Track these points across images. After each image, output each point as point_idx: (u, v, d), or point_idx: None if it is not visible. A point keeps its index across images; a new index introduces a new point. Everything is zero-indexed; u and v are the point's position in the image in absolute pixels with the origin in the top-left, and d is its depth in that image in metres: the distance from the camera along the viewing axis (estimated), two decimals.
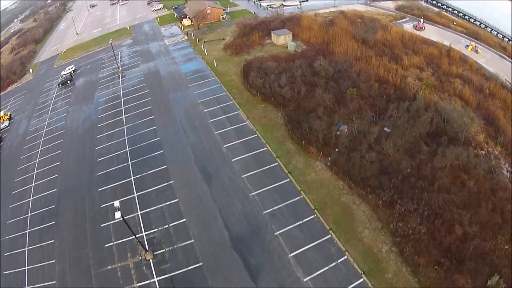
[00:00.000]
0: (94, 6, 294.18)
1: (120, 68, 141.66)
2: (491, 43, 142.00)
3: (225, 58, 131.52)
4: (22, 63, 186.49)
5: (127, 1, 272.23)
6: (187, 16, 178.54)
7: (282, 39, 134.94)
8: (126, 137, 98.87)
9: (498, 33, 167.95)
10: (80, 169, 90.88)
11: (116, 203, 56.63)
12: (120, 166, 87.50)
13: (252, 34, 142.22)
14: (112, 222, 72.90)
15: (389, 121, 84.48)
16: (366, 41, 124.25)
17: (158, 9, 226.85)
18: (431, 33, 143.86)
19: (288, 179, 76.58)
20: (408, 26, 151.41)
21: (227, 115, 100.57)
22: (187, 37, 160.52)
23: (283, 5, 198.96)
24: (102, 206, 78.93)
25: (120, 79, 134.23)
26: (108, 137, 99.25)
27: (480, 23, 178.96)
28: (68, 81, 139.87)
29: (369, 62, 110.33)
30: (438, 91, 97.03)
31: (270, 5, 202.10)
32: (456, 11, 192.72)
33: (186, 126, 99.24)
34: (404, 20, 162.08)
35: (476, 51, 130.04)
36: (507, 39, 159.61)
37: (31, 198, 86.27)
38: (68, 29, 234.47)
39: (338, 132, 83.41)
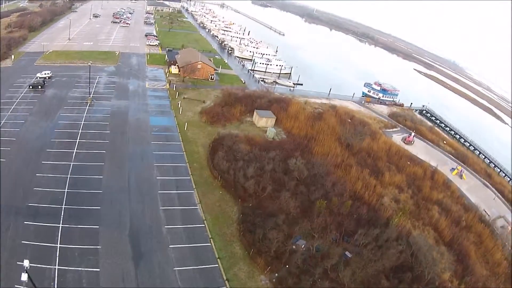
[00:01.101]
0: (97, 17, 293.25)
1: (91, 95, 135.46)
2: (477, 169, 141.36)
3: (198, 123, 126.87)
4: (9, 45, 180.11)
5: (128, 25, 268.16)
6: (176, 64, 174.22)
7: (264, 122, 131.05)
8: (69, 176, 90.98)
9: (486, 157, 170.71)
10: (15, 191, 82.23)
11: (26, 263, 49.12)
12: (53, 206, 79.46)
13: (235, 106, 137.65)
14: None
15: (353, 245, 77.94)
16: (350, 146, 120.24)
17: (153, 45, 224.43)
18: (419, 149, 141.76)
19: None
20: (397, 138, 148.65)
21: (180, 192, 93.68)
22: (168, 86, 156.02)
23: (276, 82, 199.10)
24: (22, 242, 70.57)
25: (87, 107, 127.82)
26: (53, 167, 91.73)
27: (470, 145, 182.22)
28: (39, 86, 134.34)
29: (348, 172, 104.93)
30: (413, 218, 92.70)
31: (263, 79, 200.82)
32: (448, 128, 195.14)
33: (133, 189, 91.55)
34: (394, 129, 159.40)
35: (461, 176, 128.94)
36: (493, 165, 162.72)
37: None
38: (64, 29, 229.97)
39: (293, 247, 75.11)
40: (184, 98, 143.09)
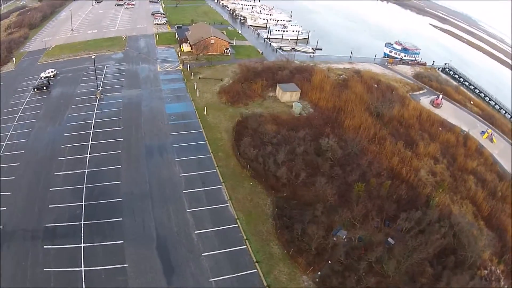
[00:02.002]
0: (99, 2, 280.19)
1: (99, 89, 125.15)
2: (505, 130, 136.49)
3: (218, 105, 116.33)
4: (10, 48, 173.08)
5: (133, 5, 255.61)
6: (188, 41, 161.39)
7: (288, 96, 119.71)
8: (85, 186, 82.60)
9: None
10: (29, 211, 75.97)
11: None
12: (72, 224, 72.48)
13: (255, 81, 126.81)
14: None
15: (395, 230, 72.15)
16: (381, 115, 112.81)
17: (161, 24, 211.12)
18: (448, 112, 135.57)
19: None
20: (425, 101, 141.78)
21: (206, 188, 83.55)
22: (182, 67, 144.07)
23: (295, 49, 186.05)
24: (44, 270, 63.20)
25: (97, 103, 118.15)
26: (66, 179, 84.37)
27: (495, 104, 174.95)
28: (44, 87, 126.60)
29: (382, 146, 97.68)
30: (451, 191, 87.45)
31: (281, 47, 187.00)
32: (472, 87, 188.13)
33: (155, 192, 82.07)
34: (421, 92, 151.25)
35: (491, 140, 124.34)
36: None
37: None
38: (66, 21, 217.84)
39: (334, 239, 68.50)
40: (200, 78, 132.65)
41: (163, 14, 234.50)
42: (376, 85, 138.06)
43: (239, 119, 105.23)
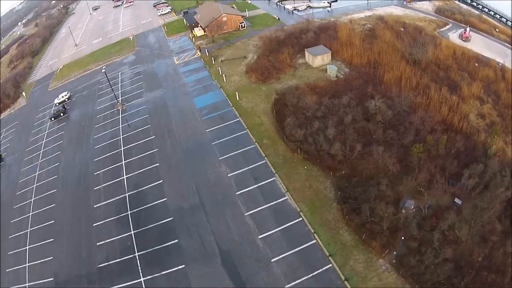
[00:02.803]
0: (97, 8, 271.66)
1: (119, 100, 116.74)
2: None
3: (249, 87, 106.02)
4: (16, 83, 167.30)
5: (132, 3, 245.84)
6: (199, 25, 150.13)
7: (319, 60, 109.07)
8: (129, 212, 75.89)
9: None
10: (78, 255, 71.24)
11: None
12: (125, 258, 66.83)
13: (281, 51, 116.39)
14: None
15: (460, 189, 66.53)
16: (417, 61, 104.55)
17: (166, 13, 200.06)
18: (478, 44, 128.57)
19: None
20: (453, 36, 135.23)
21: (260, 184, 74.35)
22: (199, 53, 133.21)
23: (310, 7, 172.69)
24: None
25: (120, 115, 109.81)
26: (107, 209, 78.05)
27: None
28: (61, 114, 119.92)
29: (428, 96, 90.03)
30: (502, 133, 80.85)
31: (296, 7, 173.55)
32: (492, 12, 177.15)
33: (206, 201, 73.66)
34: (447, 27, 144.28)
35: None
36: None
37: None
38: (67, 37, 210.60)
39: (403, 211, 62.70)
40: (222, 61, 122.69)
41: (165, 3, 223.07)
42: (403, 29, 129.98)
43: (276, 97, 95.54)
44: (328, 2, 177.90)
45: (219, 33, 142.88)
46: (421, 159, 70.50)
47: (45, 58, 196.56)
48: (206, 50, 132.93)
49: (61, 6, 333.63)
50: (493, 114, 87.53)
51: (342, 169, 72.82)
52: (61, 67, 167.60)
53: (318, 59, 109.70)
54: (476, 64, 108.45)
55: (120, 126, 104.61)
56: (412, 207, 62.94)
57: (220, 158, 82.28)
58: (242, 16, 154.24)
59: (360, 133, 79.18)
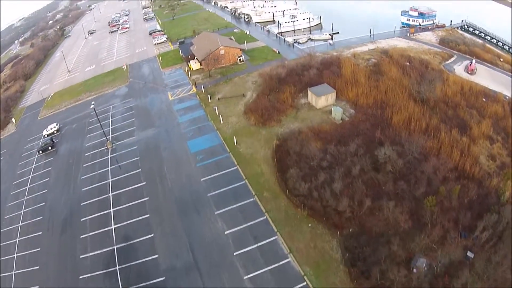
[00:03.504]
0: (92, 33, 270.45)
1: (109, 139, 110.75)
2: None
3: (248, 130, 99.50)
4: (7, 107, 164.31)
5: (127, 29, 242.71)
6: (195, 57, 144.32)
7: (323, 101, 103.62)
8: (117, 267, 69.56)
9: None
10: None
11: None
12: None
13: (282, 89, 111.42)
14: None
15: (472, 240, 63.46)
16: (425, 99, 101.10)
17: (161, 42, 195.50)
18: (484, 76, 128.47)
19: None
20: (459, 69, 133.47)
21: (260, 243, 67.84)
22: (195, 89, 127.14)
23: (311, 39, 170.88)
24: None
25: (109, 155, 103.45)
26: (94, 261, 72.26)
27: None
28: (49, 147, 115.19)
29: (438, 139, 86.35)
30: None
31: (297, 40, 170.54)
32: (495, 40, 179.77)
33: (201, 261, 67.18)
34: (452, 59, 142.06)
35: None
36: None
37: None
38: (61, 62, 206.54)
39: (414, 270, 58.37)
40: (218, 99, 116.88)
41: (161, 31, 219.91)
42: (408, 63, 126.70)
43: (277, 143, 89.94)
44: (329, 34, 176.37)
45: (216, 67, 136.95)
46: (433, 213, 66.57)
47: (37, 82, 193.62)
48: (202, 86, 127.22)
49: (58, 27, 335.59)
50: (503, 154, 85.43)
51: (350, 226, 67.74)
52: (52, 94, 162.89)
53: (322, 99, 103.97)
54: (484, 99, 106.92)
55: (109, 167, 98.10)
56: (424, 265, 59.04)
57: (216, 212, 75.54)
58: (241, 49, 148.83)
59: (369, 185, 73.77)
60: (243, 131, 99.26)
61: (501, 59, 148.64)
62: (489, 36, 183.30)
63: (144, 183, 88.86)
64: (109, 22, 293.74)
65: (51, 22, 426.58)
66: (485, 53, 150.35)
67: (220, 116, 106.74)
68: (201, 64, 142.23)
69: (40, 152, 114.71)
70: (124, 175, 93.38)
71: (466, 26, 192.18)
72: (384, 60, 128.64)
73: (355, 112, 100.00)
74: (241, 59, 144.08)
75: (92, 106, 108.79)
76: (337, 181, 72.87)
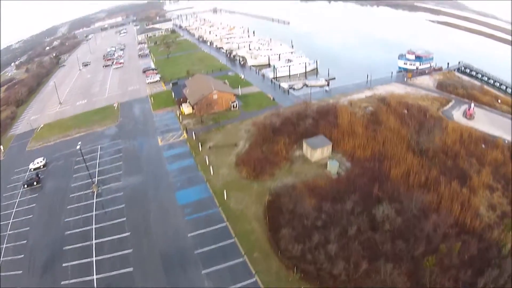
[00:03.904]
0: (87, 65, 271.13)
1: (95, 182, 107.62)
2: None
3: (239, 183, 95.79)
4: None
5: (121, 65, 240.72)
6: (188, 101, 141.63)
7: (319, 154, 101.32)
8: None
9: None
10: None
11: None
12: None
13: (276, 140, 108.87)
14: None
15: None
16: (425, 150, 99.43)
17: (154, 82, 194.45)
18: (483, 121, 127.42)
19: None
20: (457, 114, 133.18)
21: None
22: (186, 135, 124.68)
23: (307, 85, 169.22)
24: None
25: (95, 199, 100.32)
26: None
27: None
28: (35, 183, 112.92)
29: (438, 192, 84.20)
30: None
31: (292, 86, 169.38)
32: (492, 81, 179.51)
33: None
34: (450, 105, 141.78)
35: None
36: None
37: None
38: (53, 92, 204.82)
39: None
40: (210, 148, 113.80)
41: (155, 70, 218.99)
42: (406, 111, 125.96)
43: (269, 199, 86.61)
44: (325, 80, 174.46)
45: (208, 112, 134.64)
46: (433, 273, 63.95)
47: (28, 111, 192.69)
48: (193, 132, 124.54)
49: (54, 55, 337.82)
50: (504, 202, 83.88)
51: None
52: (42, 126, 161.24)
53: (317, 152, 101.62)
54: (483, 145, 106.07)
55: (94, 212, 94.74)
56: None
57: (203, 272, 71.99)
58: (235, 95, 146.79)
59: (365, 246, 70.78)
60: (234, 185, 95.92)
61: (499, 101, 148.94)
62: (486, 77, 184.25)
63: (128, 233, 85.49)
64: (104, 55, 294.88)
65: (48, 48, 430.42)
66: (483, 95, 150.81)
67: (211, 167, 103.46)
68: (193, 108, 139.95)
69: (25, 186, 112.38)
70: (108, 223, 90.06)
71: (463, 68, 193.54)
72: (382, 108, 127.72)
73: (352, 165, 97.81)
74: (235, 105, 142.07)
75: (78, 147, 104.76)
76: (332, 242, 70.32)
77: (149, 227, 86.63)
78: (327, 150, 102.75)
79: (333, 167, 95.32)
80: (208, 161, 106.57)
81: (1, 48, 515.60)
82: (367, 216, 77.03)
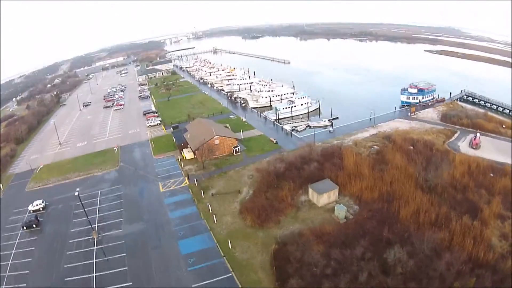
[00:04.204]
0: (87, 105, 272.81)
1: (95, 228, 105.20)
2: None
3: (244, 231, 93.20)
4: None
5: (122, 106, 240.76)
6: (189, 146, 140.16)
7: (325, 198, 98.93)
8: None
9: None
10: None
11: None
12: None
13: (280, 185, 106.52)
14: None
15: None
16: (433, 187, 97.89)
17: (155, 125, 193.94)
18: (489, 149, 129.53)
19: None
20: (463, 145, 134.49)
21: None
22: (187, 182, 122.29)
23: (310, 126, 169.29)
24: None
25: (95, 247, 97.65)
26: None
27: None
28: (34, 225, 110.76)
29: (448, 228, 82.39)
30: None
31: (295, 128, 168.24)
32: (495, 106, 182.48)
33: None
34: (456, 136, 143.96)
35: None
36: None
37: None
38: (53, 132, 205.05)
39: None
40: (212, 195, 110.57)
41: (156, 113, 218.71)
42: (412, 147, 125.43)
43: (276, 248, 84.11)
44: (328, 121, 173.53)
45: (210, 157, 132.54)
46: None
47: (28, 149, 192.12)
48: (195, 179, 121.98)
49: (55, 93, 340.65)
50: None
51: None
52: (41, 166, 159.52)
53: (323, 197, 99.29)
54: (491, 174, 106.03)
55: (94, 260, 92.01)
56: None
57: None
58: (236, 139, 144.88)
59: None
60: (239, 233, 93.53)
61: (504, 126, 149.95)
62: (489, 103, 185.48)
63: (130, 283, 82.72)
64: (104, 96, 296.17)
65: (49, 86, 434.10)
66: (488, 122, 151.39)
67: (214, 215, 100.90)
68: (194, 154, 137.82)
69: (25, 228, 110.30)
70: (109, 271, 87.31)
71: (465, 96, 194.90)
72: (387, 147, 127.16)
73: (360, 209, 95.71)
74: (237, 150, 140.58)
75: (76, 194, 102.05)
76: None
77: (151, 277, 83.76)
78: (333, 194, 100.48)
79: (340, 212, 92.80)
80: (211, 209, 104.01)
81: (2, 82, 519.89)
82: (378, 261, 74.66)
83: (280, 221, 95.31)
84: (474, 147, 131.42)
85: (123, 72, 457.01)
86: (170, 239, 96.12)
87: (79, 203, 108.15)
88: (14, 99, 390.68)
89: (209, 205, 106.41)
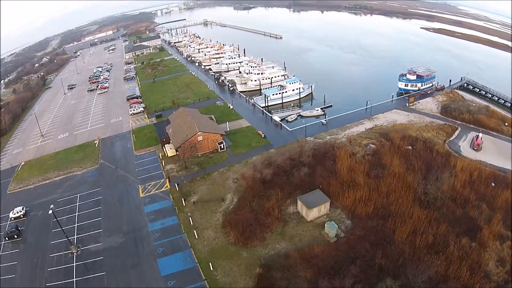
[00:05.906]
0: (72, 87, 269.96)
1: (75, 241, 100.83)
2: None
3: (226, 250, 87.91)
4: None
5: (106, 90, 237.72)
6: (170, 141, 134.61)
7: (315, 212, 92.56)
8: None
9: None
10: None
11: None
12: None
13: (267, 195, 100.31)
14: None
15: None
16: (432, 200, 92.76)
17: (138, 113, 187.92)
18: (491, 151, 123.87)
19: None
20: (464, 145, 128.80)
21: None
22: (168, 185, 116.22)
23: (301, 116, 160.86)
24: None
25: (74, 263, 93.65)
26: None
27: None
28: (15, 236, 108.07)
29: (444, 252, 78.15)
30: None
31: (285, 117, 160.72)
32: (496, 98, 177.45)
33: None
34: (457, 133, 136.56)
35: None
36: None
37: None
38: (37, 121, 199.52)
39: None
40: (194, 203, 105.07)
41: (139, 98, 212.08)
42: (411, 147, 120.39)
43: (260, 272, 78.28)
44: (321, 109, 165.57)
45: (193, 155, 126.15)
46: None
47: (11, 143, 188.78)
48: (176, 183, 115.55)
49: (41, 74, 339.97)
50: None
51: None
52: (23, 164, 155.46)
53: (313, 211, 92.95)
54: (493, 184, 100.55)
55: (74, 279, 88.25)
56: None
57: None
58: (221, 135, 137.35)
59: None
60: (221, 252, 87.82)
61: (506, 123, 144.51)
62: (490, 93, 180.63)
63: None
64: (90, 77, 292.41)
65: (36, 65, 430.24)
66: (489, 119, 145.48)
67: (194, 230, 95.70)
68: (177, 151, 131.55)
69: (7, 238, 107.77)
70: None
71: (465, 85, 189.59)
72: (384, 146, 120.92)
73: (352, 225, 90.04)
74: (222, 146, 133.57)
75: (50, 212, 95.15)
76: None
77: None
78: (324, 207, 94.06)
79: (331, 230, 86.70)
80: (192, 221, 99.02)
81: None
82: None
83: (266, 238, 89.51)
84: (475, 148, 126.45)
85: (111, 48, 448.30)
86: (150, 256, 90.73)
87: (58, 209, 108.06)
88: (2, 81, 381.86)
89: (190, 217, 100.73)
